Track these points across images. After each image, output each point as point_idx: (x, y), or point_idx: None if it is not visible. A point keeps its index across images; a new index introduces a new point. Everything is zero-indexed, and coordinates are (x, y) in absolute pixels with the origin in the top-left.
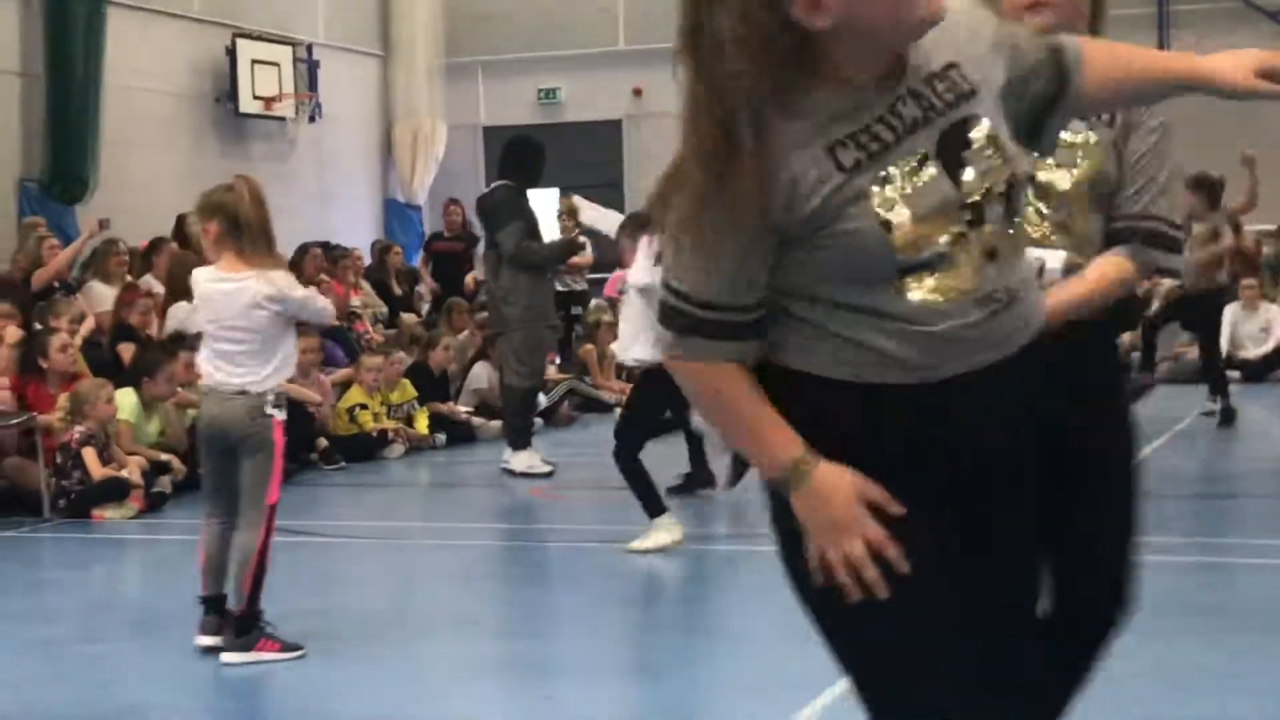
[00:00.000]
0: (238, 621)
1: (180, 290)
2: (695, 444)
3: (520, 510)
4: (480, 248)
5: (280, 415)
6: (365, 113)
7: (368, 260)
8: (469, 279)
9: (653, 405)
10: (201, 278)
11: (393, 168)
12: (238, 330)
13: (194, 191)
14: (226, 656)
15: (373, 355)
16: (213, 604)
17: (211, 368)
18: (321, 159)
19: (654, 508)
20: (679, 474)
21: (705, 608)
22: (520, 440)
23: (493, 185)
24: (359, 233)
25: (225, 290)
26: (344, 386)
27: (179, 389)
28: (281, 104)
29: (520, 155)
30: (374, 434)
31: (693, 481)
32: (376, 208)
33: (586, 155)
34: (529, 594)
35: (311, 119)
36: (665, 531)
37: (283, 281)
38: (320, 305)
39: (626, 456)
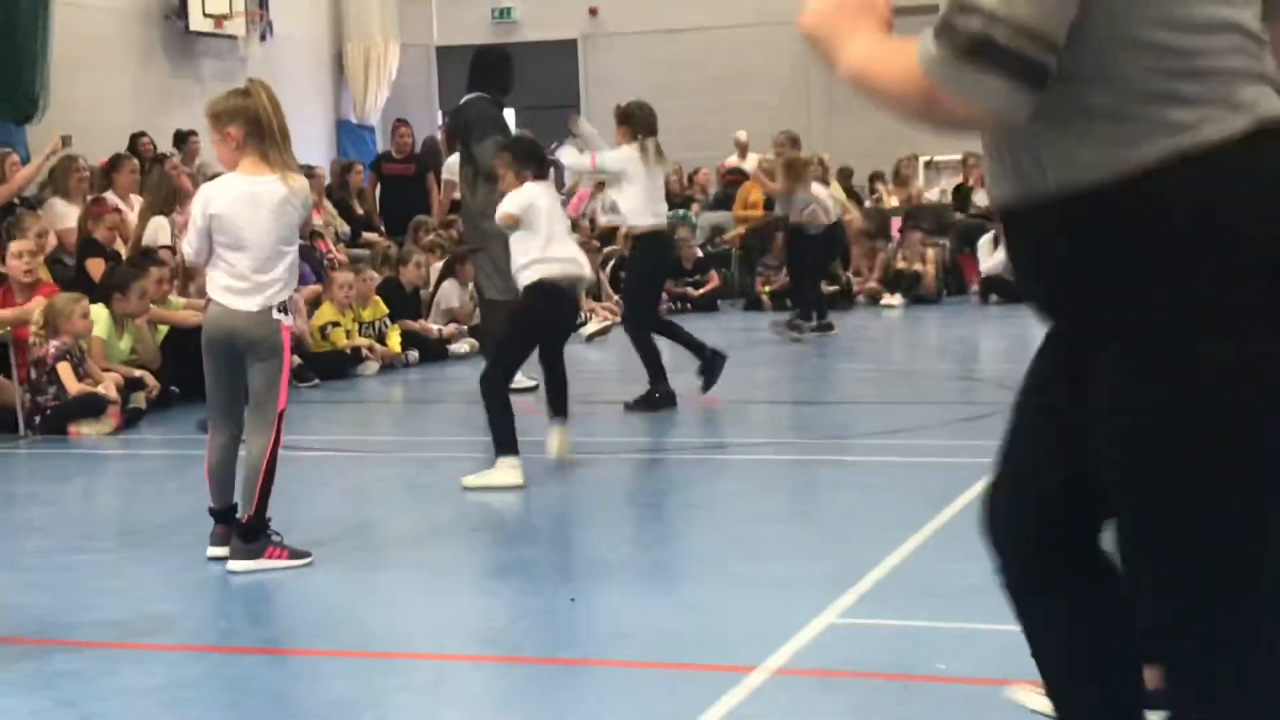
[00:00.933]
0: (244, 529)
1: (164, 205)
2: (653, 360)
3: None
4: (448, 169)
5: (287, 321)
6: (317, 32)
7: (327, 178)
8: (441, 199)
9: (533, 332)
10: (227, 184)
11: (345, 88)
12: (264, 233)
13: (145, 111)
14: (233, 564)
15: (344, 271)
16: (223, 515)
17: (222, 280)
18: (272, 78)
19: (506, 444)
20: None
21: (713, 512)
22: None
23: (466, 98)
24: (312, 154)
25: (256, 192)
26: (314, 305)
27: (151, 305)
28: (232, 22)
29: (491, 66)
30: (347, 351)
31: (654, 400)
32: (329, 128)
33: (542, 76)
34: (527, 503)
35: (263, 38)
36: (506, 472)
37: (303, 184)
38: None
39: (495, 382)
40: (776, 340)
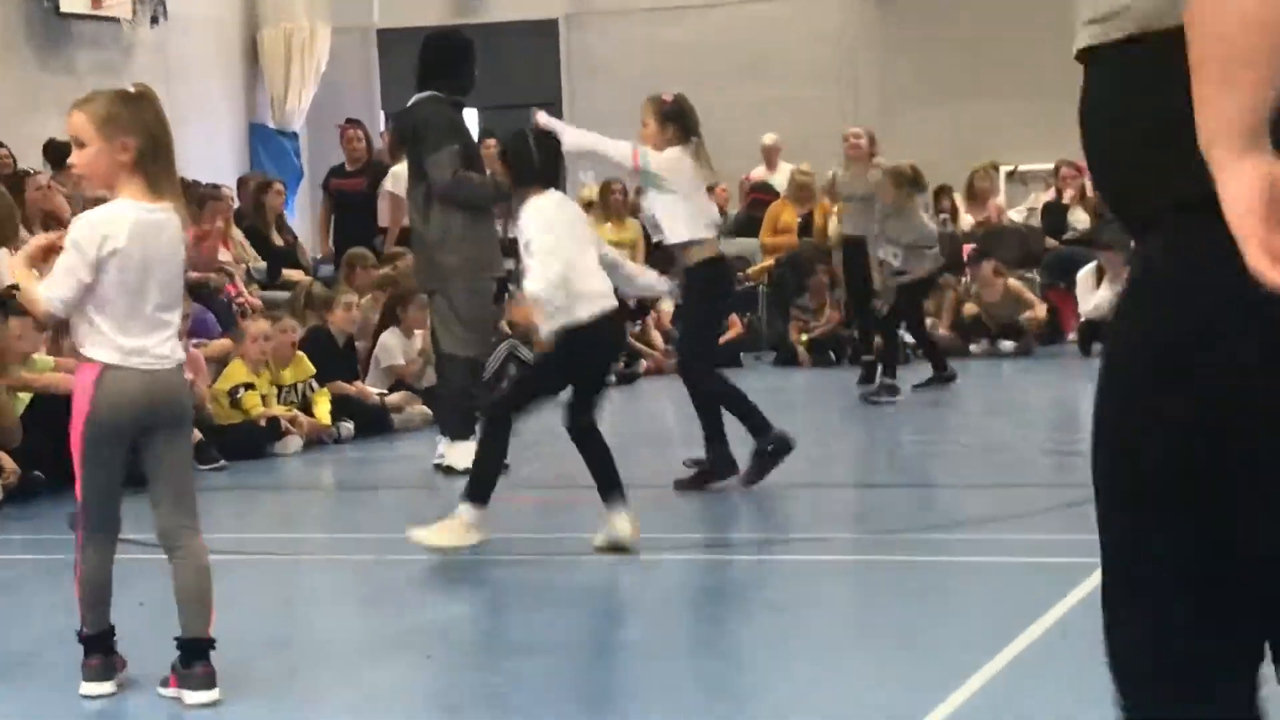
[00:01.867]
0: (188, 651)
1: (9, 235)
2: (714, 423)
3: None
4: (394, 181)
5: None
6: (224, 13)
7: (236, 201)
8: (389, 222)
9: (563, 374)
10: (122, 212)
11: (260, 83)
12: (161, 276)
13: (5, 111)
14: (192, 697)
15: (259, 321)
16: (100, 641)
17: (122, 336)
18: (168, 72)
19: (479, 492)
20: (689, 460)
21: (746, 630)
22: (462, 427)
23: (416, 97)
24: (218, 168)
25: (158, 220)
26: (220, 364)
27: (8, 367)
28: (115, 0)
29: (446, 56)
30: (262, 423)
31: (708, 474)
32: (239, 135)
33: (513, 67)
34: (492, 618)
35: (154, 20)
36: (462, 530)
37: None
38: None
39: (502, 411)
40: (817, 405)
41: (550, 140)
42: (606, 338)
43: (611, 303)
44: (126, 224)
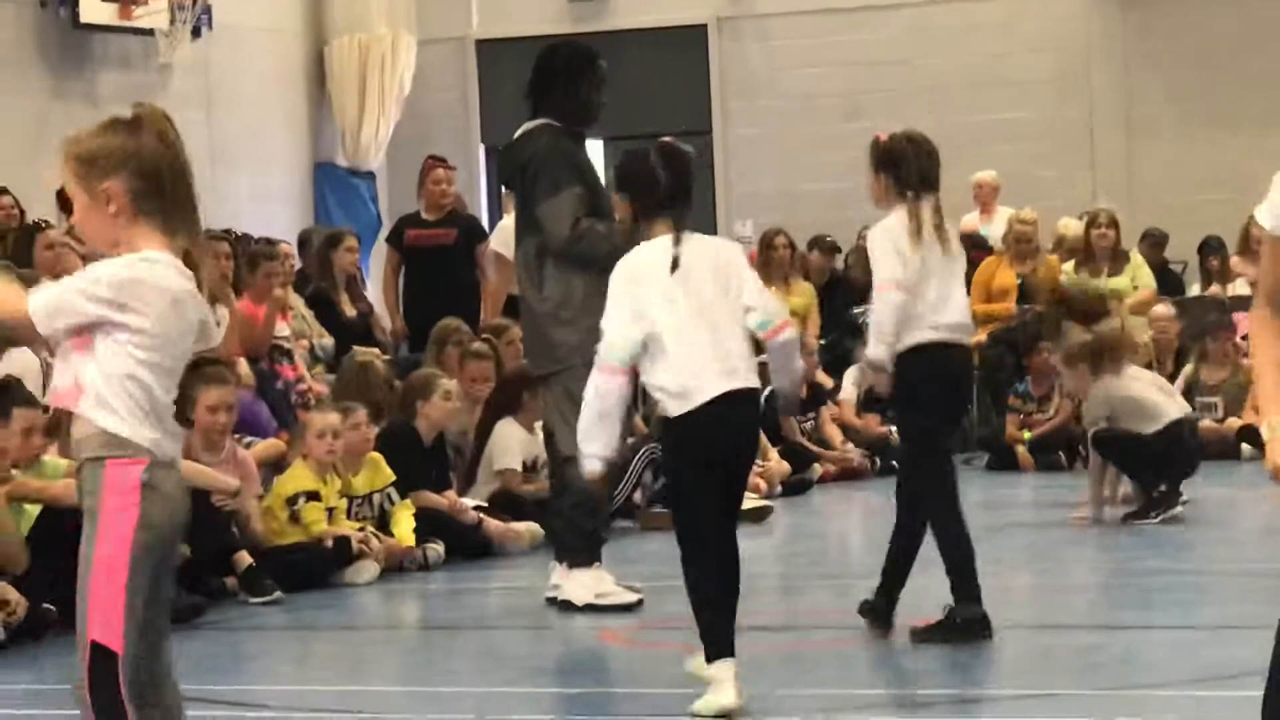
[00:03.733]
0: None
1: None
2: (963, 558)
3: (584, 667)
4: (503, 236)
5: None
6: (283, 20)
7: (298, 260)
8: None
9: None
10: (165, 274)
11: (328, 111)
12: (181, 349)
13: (9, 152)
14: None
15: (325, 413)
16: None
17: (162, 432)
18: (211, 98)
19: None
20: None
21: None
22: (583, 552)
23: (525, 127)
24: (275, 219)
25: (196, 297)
26: (274, 468)
27: (12, 472)
28: (148, 8)
29: (563, 74)
30: (329, 543)
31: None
32: (302, 176)
33: (650, 84)
34: None
35: (196, 32)
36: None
37: (220, 313)
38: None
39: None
40: (1041, 522)
41: (681, 156)
42: (709, 428)
43: (726, 386)
44: (153, 291)
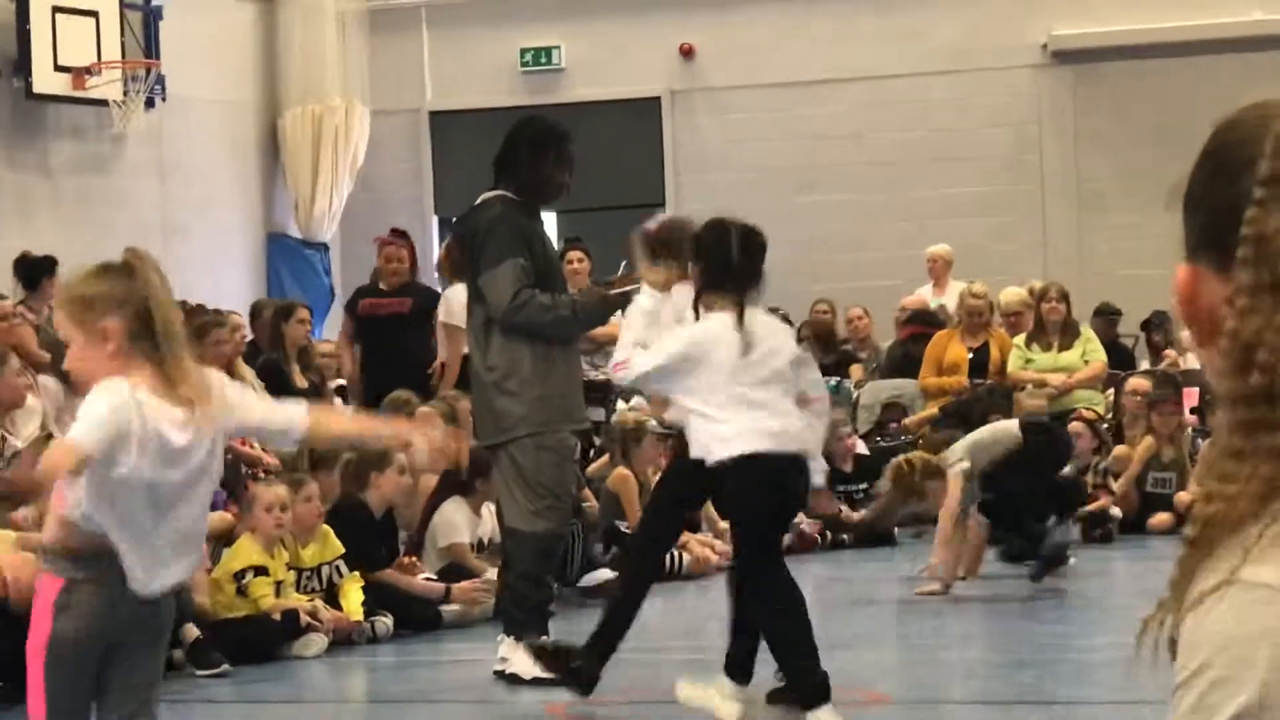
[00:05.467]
0: None
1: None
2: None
3: None
4: (447, 306)
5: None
6: (236, 91)
7: (249, 332)
8: (447, 357)
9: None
10: (150, 407)
11: (281, 181)
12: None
13: None
14: None
15: (273, 485)
16: None
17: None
18: (164, 167)
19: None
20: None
21: None
22: (530, 624)
23: (483, 196)
24: (227, 289)
25: (174, 448)
26: (222, 540)
27: None
28: (101, 79)
29: (532, 148)
30: (276, 616)
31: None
32: (254, 247)
33: (604, 157)
34: None
35: (150, 104)
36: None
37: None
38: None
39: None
40: (1000, 600)
41: (759, 241)
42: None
43: (774, 447)
44: (136, 420)
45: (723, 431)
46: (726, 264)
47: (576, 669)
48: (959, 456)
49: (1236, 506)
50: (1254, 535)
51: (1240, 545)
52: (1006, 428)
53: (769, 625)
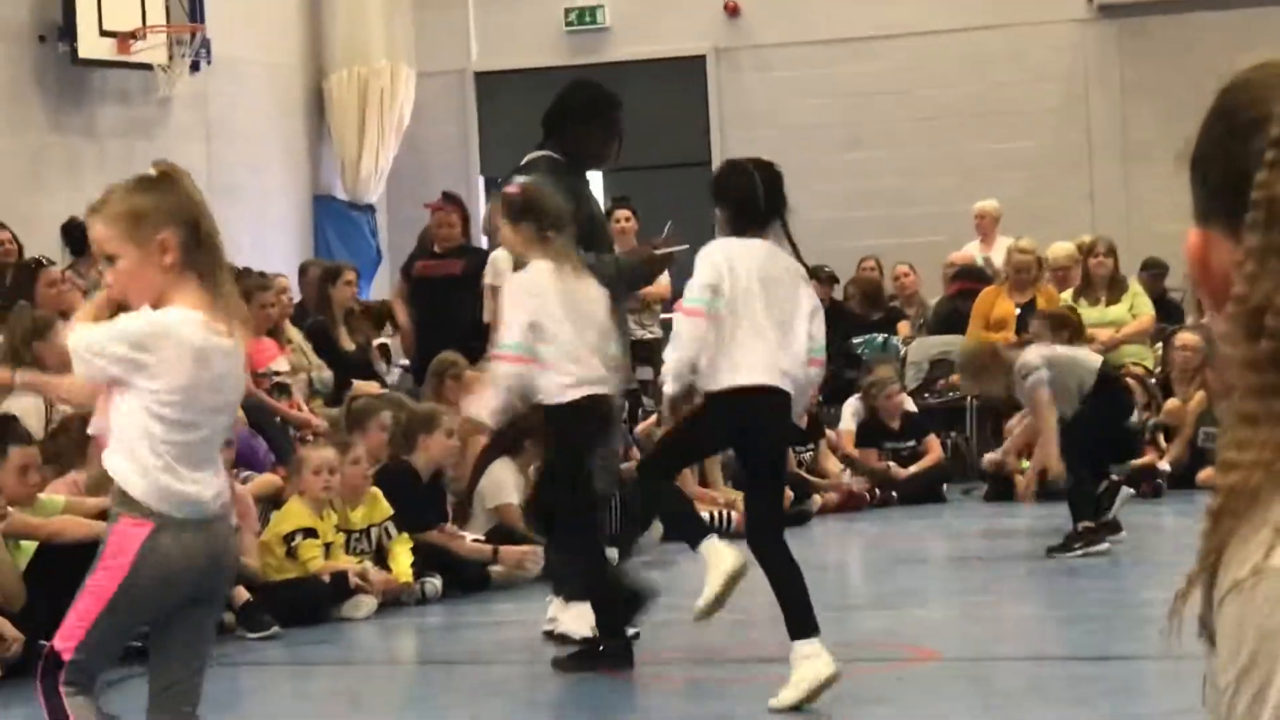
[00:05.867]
0: None
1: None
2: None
3: (580, 702)
4: (494, 268)
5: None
6: (283, 54)
7: (296, 293)
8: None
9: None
10: (186, 328)
11: (327, 143)
12: (224, 416)
13: (5, 185)
14: None
15: (322, 448)
16: None
17: (188, 481)
18: (210, 131)
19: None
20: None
21: None
22: (578, 586)
23: (529, 156)
24: (274, 251)
25: (225, 351)
26: (271, 503)
27: (9, 509)
28: (146, 43)
29: (583, 115)
30: (326, 579)
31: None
32: (301, 210)
33: (649, 116)
34: None
35: (195, 67)
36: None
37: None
38: None
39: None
40: (1038, 552)
41: (777, 175)
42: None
43: (778, 382)
44: (176, 344)
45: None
46: (752, 204)
47: (608, 652)
48: (1036, 365)
49: (1254, 475)
50: (1278, 510)
51: (1267, 523)
52: (1086, 358)
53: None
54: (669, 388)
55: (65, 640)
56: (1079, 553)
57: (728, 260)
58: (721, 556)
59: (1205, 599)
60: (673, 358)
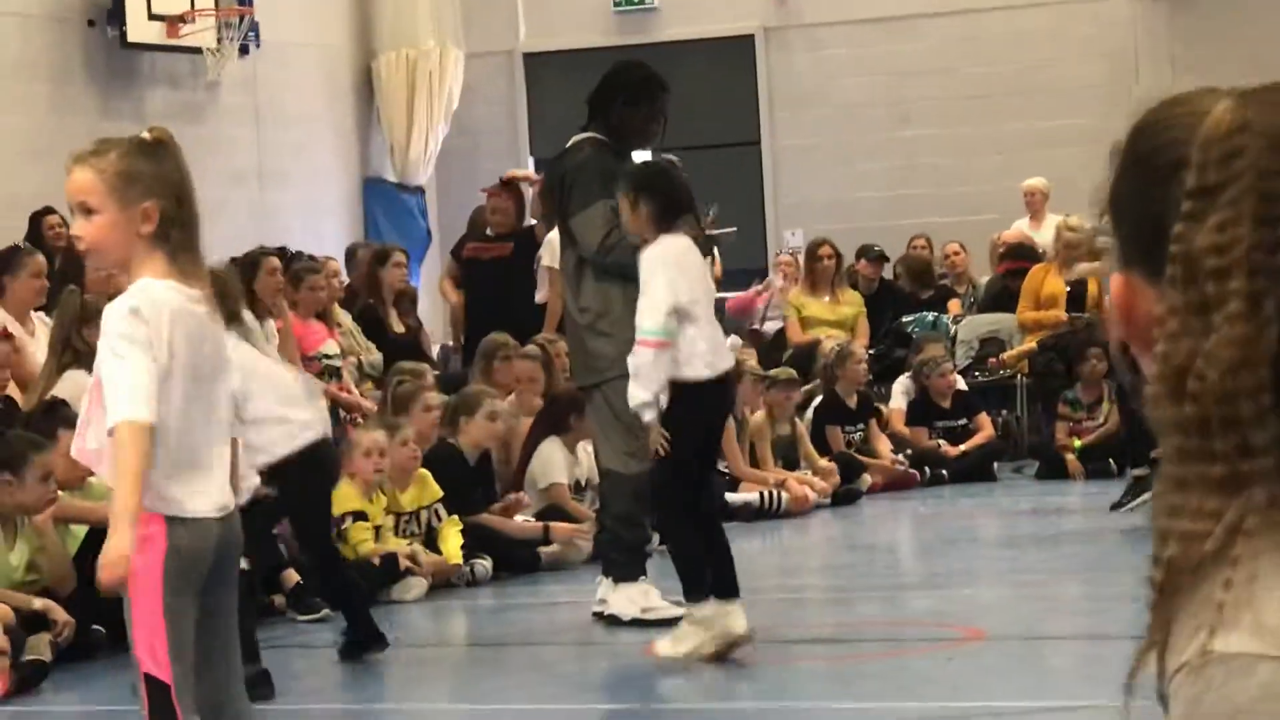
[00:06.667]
0: None
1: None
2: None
3: (630, 683)
4: (551, 249)
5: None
6: (331, 36)
7: (345, 276)
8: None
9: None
10: (166, 294)
11: (376, 126)
12: (213, 380)
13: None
14: None
15: (371, 430)
16: None
17: (191, 489)
18: (260, 114)
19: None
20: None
21: None
22: (629, 567)
23: (574, 139)
24: (324, 234)
25: (201, 315)
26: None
27: (60, 494)
28: (194, 26)
29: (628, 97)
30: (376, 561)
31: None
32: (350, 191)
33: (698, 95)
34: None
35: (244, 50)
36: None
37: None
38: None
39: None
40: (1091, 530)
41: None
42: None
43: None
44: (179, 312)
45: None
46: (680, 199)
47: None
48: None
49: (1192, 550)
50: (1220, 588)
51: (1210, 600)
52: None
53: None
54: (648, 417)
55: (157, 665)
56: (1138, 502)
57: (679, 269)
58: (735, 620)
59: (1159, 670)
60: (642, 394)
